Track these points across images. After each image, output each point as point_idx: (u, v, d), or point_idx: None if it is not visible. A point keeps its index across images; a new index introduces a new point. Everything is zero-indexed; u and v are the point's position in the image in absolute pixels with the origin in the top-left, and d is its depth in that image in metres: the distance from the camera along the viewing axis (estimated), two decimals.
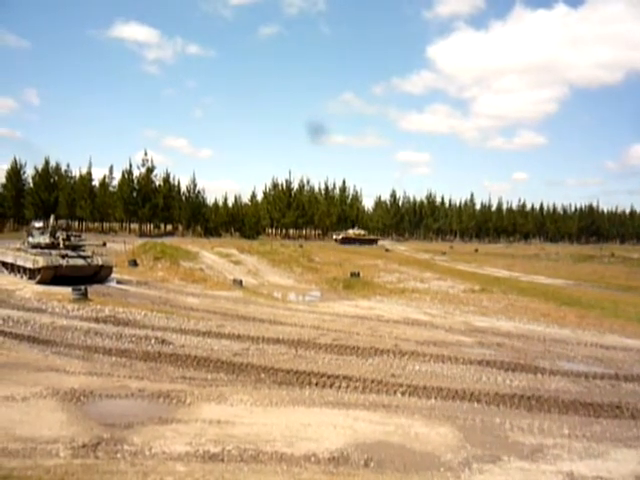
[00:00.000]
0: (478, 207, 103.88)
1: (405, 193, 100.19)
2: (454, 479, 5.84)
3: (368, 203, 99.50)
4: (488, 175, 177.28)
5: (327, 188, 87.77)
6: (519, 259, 47.28)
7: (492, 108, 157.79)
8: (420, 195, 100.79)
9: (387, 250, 53.56)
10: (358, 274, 27.00)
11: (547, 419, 7.97)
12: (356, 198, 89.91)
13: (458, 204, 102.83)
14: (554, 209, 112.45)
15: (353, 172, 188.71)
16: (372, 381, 9.59)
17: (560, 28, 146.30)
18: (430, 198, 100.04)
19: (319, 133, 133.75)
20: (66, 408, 7.61)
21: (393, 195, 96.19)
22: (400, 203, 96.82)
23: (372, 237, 70.90)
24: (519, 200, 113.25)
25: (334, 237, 67.71)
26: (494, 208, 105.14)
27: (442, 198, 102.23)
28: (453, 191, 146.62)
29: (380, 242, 76.12)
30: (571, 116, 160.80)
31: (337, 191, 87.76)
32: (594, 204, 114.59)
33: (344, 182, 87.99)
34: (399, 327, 14.93)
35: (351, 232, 67.72)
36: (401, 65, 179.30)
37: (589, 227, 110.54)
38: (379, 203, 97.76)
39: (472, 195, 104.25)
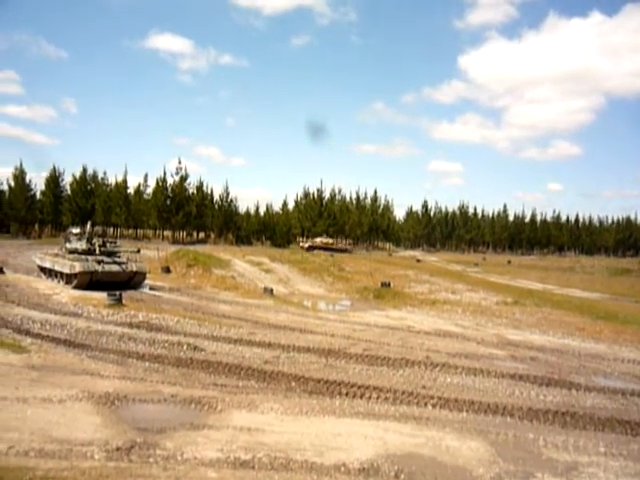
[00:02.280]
0: (511, 218, 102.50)
1: (437, 203, 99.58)
2: None
3: (399, 213, 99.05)
4: (521, 186, 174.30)
5: (358, 198, 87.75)
6: (553, 272, 46.43)
7: (525, 118, 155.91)
8: (452, 205, 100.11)
9: (418, 261, 53.13)
10: (389, 284, 26.86)
11: (582, 436, 7.79)
12: (387, 208, 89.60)
13: (491, 215, 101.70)
14: (590, 221, 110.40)
15: (384, 182, 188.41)
16: (403, 392, 9.52)
17: (595, 37, 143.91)
18: (462, 209, 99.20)
19: (319, 134, 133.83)
20: (101, 411, 7.77)
21: (425, 205, 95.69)
22: (432, 213, 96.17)
23: (342, 246, 67.47)
24: (553, 211, 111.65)
25: (300, 245, 64.90)
26: (528, 219, 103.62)
27: (475, 209, 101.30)
28: (486, 202, 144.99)
29: (408, 252, 75.62)
30: (607, 126, 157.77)
31: (368, 201, 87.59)
32: (632, 216, 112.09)
33: (375, 192, 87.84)
34: (430, 338, 14.80)
35: (318, 240, 64.68)
36: (432, 75, 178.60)
37: (626, 240, 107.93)
38: (411, 213, 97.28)
39: (505, 206, 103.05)
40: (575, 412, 8.83)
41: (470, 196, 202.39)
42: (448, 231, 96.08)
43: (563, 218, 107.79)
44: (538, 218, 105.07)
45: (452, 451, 6.91)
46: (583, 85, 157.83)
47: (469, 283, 30.79)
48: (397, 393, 9.49)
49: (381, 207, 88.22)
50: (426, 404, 9.02)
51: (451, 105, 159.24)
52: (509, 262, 62.02)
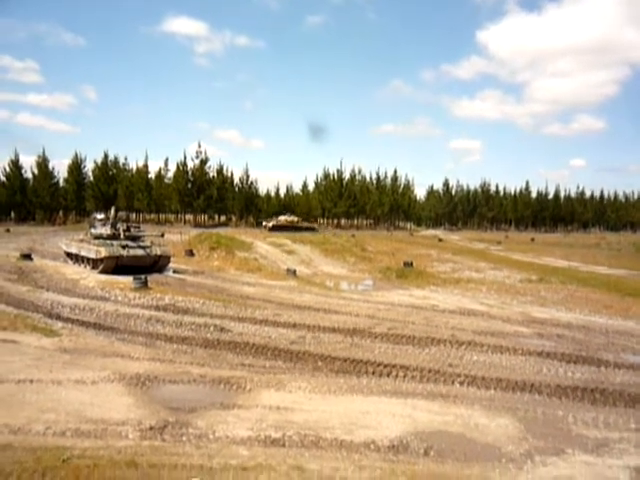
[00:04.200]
0: (534, 195, 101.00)
1: (458, 182, 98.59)
2: (516, 471, 5.78)
3: (420, 192, 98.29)
4: (544, 162, 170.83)
5: (379, 178, 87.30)
6: (578, 249, 45.81)
7: (547, 92, 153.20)
8: (474, 183, 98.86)
9: (440, 240, 52.76)
10: (411, 263, 26.77)
11: (612, 413, 7.74)
12: (408, 187, 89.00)
13: (513, 192, 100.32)
14: (615, 197, 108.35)
15: (404, 161, 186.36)
16: (429, 370, 9.55)
17: (619, 6, 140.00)
18: (484, 186, 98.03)
19: (319, 134, 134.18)
20: (132, 392, 7.93)
21: (446, 184, 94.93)
22: (453, 192, 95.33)
23: (308, 224, 62.71)
24: (577, 188, 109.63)
25: (264, 224, 60.25)
26: (551, 196, 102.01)
27: (496, 186, 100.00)
28: (507, 179, 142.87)
29: (430, 232, 75.02)
30: (633, 98, 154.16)
31: (389, 180, 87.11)
32: None
33: (395, 171, 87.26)
34: (455, 317, 14.77)
35: (282, 218, 60.28)
36: (450, 51, 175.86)
37: None
38: (431, 192, 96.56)
39: (527, 183, 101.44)
40: (604, 389, 8.76)
41: (491, 174, 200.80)
42: (470, 209, 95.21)
43: (587, 194, 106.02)
44: (562, 195, 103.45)
45: (481, 428, 6.92)
46: (607, 56, 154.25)
47: (492, 261, 30.56)
48: (424, 371, 9.51)
49: (402, 187, 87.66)
50: (453, 382, 9.03)
51: (470, 81, 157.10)
52: (532, 240, 61.32)
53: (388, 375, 9.33)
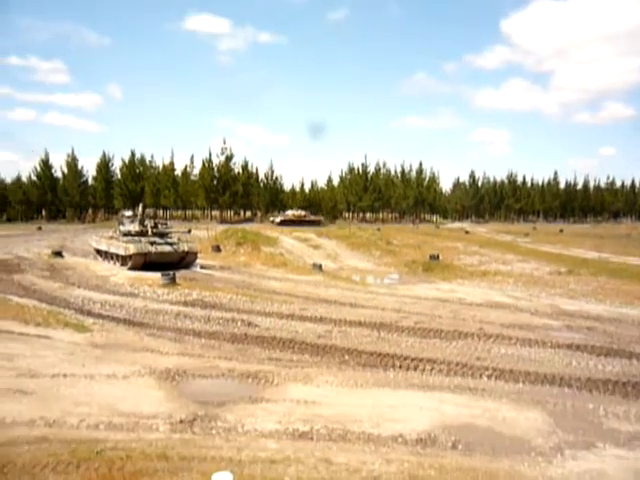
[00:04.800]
0: (562, 186, 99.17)
1: (485, 173, 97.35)
2: (546, 464, 5.74)
3: (445, 185, 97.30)
4: (572, 152, 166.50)
5: (403, 170, 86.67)
6: (608, 239, 44.86)
7: (574, 80, 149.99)
8: (500, 175, 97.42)
9: (467, 232, 52.25)
10: (437, 257, 26.62)
11: None
12: (433, 180, 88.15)
13: (541, 183, 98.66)
14: None
15: (428, 153, 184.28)
16: (457, 364, 9.51)
17: None
18: (511, 177, 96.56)
19: (319, 132, 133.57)
20: (162, 386, 8.07)
21: (472, 176, 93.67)
22: (479, 184, 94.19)
23: (314, 218, 62.29)
24: (607, 177, 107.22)
25: (271, 219, 60.81)
26: (580, 186, 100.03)
27: (523, 177, 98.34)
28: (535, 170, 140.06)
29: (456, 224, 74.36)
30: None
31: (413, 173, 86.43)
32: None
33: (420, 164, 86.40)
34: (482, 310, 14.65)
35: (290, 213, 60.78)
36: (474, 41, 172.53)
37: None
38: (457, 184, 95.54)
39: (556, 173, 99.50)
40: (637, 382, 8.62)
41: (518, 165, 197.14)
42: (497, 201, 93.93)
43: (618, 183, 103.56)
44: (591, 184, 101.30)
45: (509, 422, 6.89)
46: (637, 42, 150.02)
47: (520, 253, 30.19)
48: (451, 365, 9.48)
49: (427, 179, 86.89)
50: (481, 375, 8.99)
51: (495, 71, 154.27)
52: (561, 231, 60.31)
53: (415, 369, 9.32)
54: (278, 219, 57.72)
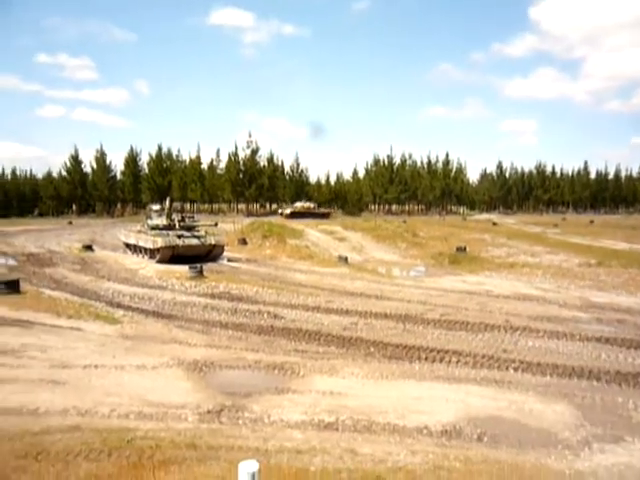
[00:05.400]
0: (593, 176, 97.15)
1: (512, 164, 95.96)
2: (573, 457, 5.70)
3: (472, 176, 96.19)
4: (603, 141, 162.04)
5: (430, 162, 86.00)
6: None
7: (605, 68, 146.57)
8: (528, 165, 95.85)
9: (494, 224, 51.60)
10: (464, 248, 26.40)
11: None
12: (460, 171, 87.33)
13: (570, 173, 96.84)
14: None
15: (455, 144, 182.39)
16: (483, 356, 9.47)
17: None
18: (539, 168, 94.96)
19: (319, 133, 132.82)
20: (191, 377, 8.21)
21: (499, 166, 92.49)
22: (507, 174, 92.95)
23: (324, 210, 61.95)
24: None
25: (280, 212, 59.44)
26: (611, 176, 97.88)
27: (553, 168, 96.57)
28: (564, 160, 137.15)
29: (483, 216, 73.50)
30: None
31: (440, 165, 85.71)
32: None
33: (447, 155, 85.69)
34: (509, 302, 14.52)
35: (299, 205, 59.76)
36: (501, 30, 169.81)
37: None
38: (485, 175, 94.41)
39: (586, 163, 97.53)
40: None
41: (547, 155, 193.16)
42: (525, 192, 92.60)
43: None
44: (623, 174, 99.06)
45: (536, 414, 6.84)
46: None
47: (549, 245, 29.74)
48: (477, 357, 9.44)
49: (453, 170, 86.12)
50: (507, 368, 8.93)
51: (523, 59, 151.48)
52: (591, 222, 59.14)
53: (441, 361, 9.30)
54: (288, 211, 57.06)
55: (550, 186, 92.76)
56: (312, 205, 60.90)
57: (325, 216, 57.19)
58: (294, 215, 53.73)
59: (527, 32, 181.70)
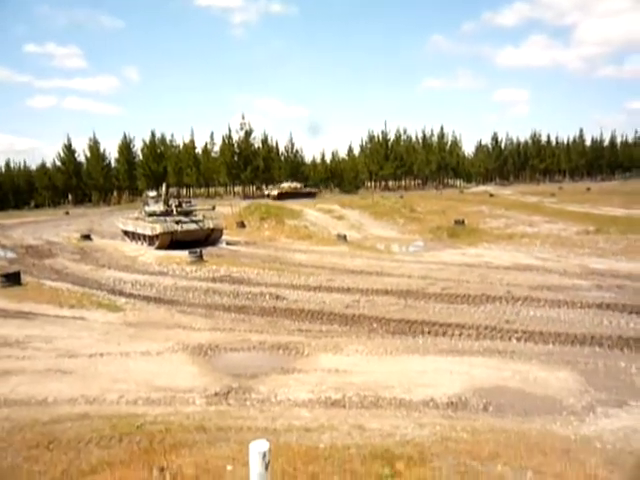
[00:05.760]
0: (588, 143, 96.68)
1: (507, 134, 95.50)
2: (578, 423, 5.76)
3: (468, 148, 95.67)
4: (598, 108, 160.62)
5: (424, 136, 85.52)
6: (638, 196, 43.95)
7: (597, 34, 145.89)
8: (523, 135, 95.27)
9: (491, 195, 51.51)
10: (463, 221, 26.42)
11: None
12: (455, 144, 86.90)
13: (566, 142, 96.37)
14: None
15: (449, 117, 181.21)
16: (485, 328, 9.53)
17: None
18: (534, 137, 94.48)
19: (317, 131, 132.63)
20: (196, 361, 8.26)
21: (495, 137, 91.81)
22: (502, 145, 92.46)
23: (309, 190, 61.10)
24: (636, 132, 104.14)
25: (266, 193, 59.01)
26: (607, 143, 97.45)
27: (548, 136, 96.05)
28: (559, 128, 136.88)
29: (480, 188, 73.31)
30: None
31: (435, 139, 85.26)
32: None
33: (442, 128, 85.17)
34: (510, 273, 14.57)
35: (286, 186, 58.84)
36: None
37: None
38: (480, 147, 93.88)
39: (581, 131, 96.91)
40: None
41: (542, 124, 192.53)
42: (521, 162, 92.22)
43: None
44: (618, 140, 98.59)
45: (540, 382, 6.90)
46: None
47: (546, 214, 29.75)
48: (480, 329, 9.50)
49: (449, 144, 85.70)
50: (510, 338, 8.99)
51: (514, 28, 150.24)
52: (588, 189, 59.03)
53: (444, 334, 9.36)
54: (275, 192, 56.21)
55: (546, 155, 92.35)
56: (299, 185, 60.45)
57: (312, 195, 56.86)
58: (281, 196, 53.16)
59: (517, 0, 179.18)
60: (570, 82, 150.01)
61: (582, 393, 6.52)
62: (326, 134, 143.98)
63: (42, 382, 7.32)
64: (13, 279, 14.71)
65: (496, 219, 28.69)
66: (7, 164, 73.42)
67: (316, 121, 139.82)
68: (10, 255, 22.50)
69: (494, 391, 6.66)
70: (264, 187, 70.24)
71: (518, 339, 8.93)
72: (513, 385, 6.85)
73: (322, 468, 4.48)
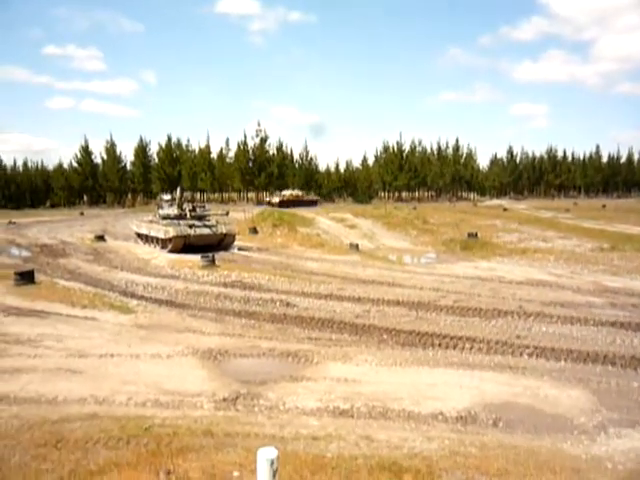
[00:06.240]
0: (605, 160, 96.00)
1: (523, 149, 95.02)
2: (589, 442, 5.69)
3: (483, 161, 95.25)
4: (615, 124, 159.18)
5: (439, 148, 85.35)
6: None
7: (616, 49, 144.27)
8: (539, 150, 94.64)
9: (505, 209, 51.29)
10: (476, 234, 26.30)
11: None
12: (470, 157, 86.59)
13: (582, 157, 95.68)
14: None
15: (465, 130, 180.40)
16: (497, 342, 9.45)
17: None
18: (550, 152, 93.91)
19: (320, 133, 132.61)
20: (205, 365, 8.27)
21: (510, 151, 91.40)
22: (518, 159, 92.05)
23: (311, 198, 59.81)
24: None
25: (267, 200, 57.76)
26: (624, 159, 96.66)
27: (564, 152, 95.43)
28: (575, 144, 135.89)
29: (494, 201, 72.99)
30: None
31: (450, 151, 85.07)
32: None
33: (457, 141, 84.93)
34: (522, 288, 14.46)
35: (288, 193, 57.51)
36: (509, 13, 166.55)
37: None
38: (495, 161, 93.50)
39: (598, 147, 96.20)
40: None
41: (557, 139, 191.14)
42: (536, 177, 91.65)
43: None
44: (635, 157, 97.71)
45: (551, 400, 6.83)
46: None
47: (561, 230, 29.54)
48: (491, 343, 9.42)
49: (463, 156, 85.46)
50: (521, 354, 8.91)
51: (532, 42, 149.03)
52: (604, 206, 58.54)
53: (454, 347, 9.29)
54: (276, 199, 55.12)
55: (561, 171, 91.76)
56: (300, 193, 59.35)
57: (314, 203, 56.00)
58: (282, 204, 52.04)
59: (535, 15, 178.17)
60: (588, 98, 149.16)
61: (594, 412, 6.44)
62: (334, 139, 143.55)
63: (52, 381, 7.37)
64: (27, 277, 14.84)
65: (509, 233, 28.53)
66: (25, 163, 74.35)
67: (319, 123, 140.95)
68: (25, 254, 22.72)
69: (504, 407, 6.60)
70: (264, 194, 69.72)
71: (529, 355, 8.84)
72: (523, 401, 6.78)
73: (329, 478, 4.46)
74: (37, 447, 5.12)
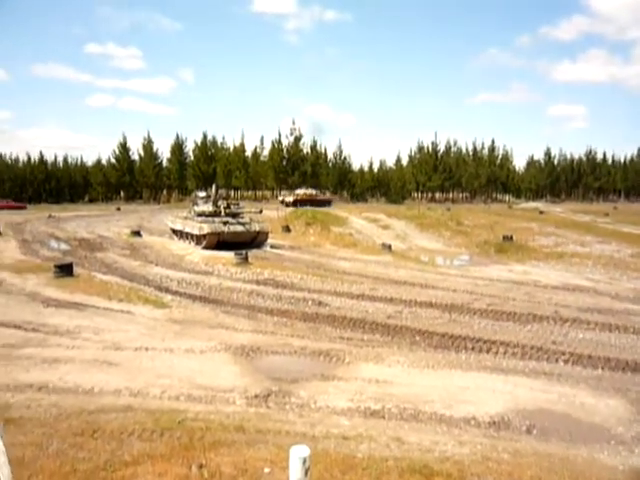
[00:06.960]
0: None
1: (561, 150, 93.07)
2: (627, 453, 5.56)
3: (519, 163, 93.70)
4: None
5: (475, 149, 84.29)
6: None
7: None
8: (577, 152, 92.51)
9: (541, 212, 50.29)
10: (511, 237, 25.87)
11: None
12: (506, 158, 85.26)
13: (622, 160, 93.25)
14: None
15: (501, 131, 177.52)
16: (531, 348, 9.29)
17: None
18: (589, 155, 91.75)
19: (320, 133, 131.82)
20: (238, 361, 8.35)
21: (547, 153, 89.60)
22: (555, 161, 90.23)
23: (325, 197, 57.93)
24: None
25: (280, 199, 54.89)
26: None
27: (604, 154, 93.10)
28: (616, 146, 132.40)
29: (530, 204, 71.72)
30: None
31: (485, 152, 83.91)
32: None
33: (493, 142, 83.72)
34: (558, 293, 14.18)
35: (301, 192, 55.20)
36: (549, 12, 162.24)
37: None
38: (532, 162, 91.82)
39: (639, 149, 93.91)
40: None
41: (597, 141, 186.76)
42: (574, 180, 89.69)
43: None
44: None
45: (587, 408, 6.69)
46: None
47: (599, 234, 28.84)
48: (525, 348, 9.27)
49: (499, 157, 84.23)
50: (557, 360, 8.74)
51: (572, 42, 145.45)
52: None
53: (488, 351, 9.18)
54: (290, 199, 53.26)
55: (601, 173, 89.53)
56: (314, 192, 57.41)
57: (328, 203, 53.91)
58: (296, 203, 50.41)
59: (576, 14, 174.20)
60: (629, 99, 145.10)
61: (632, 422, 6.28)
62: (368, 139, 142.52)
63: (89, 372, 7.54)
64: (66, 270, 15.22)
65: (546, 237, 27.99)
66: (65, 159, 76.23)
67: (319, 123, 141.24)
68: (64, 247, 23.30)
69: (538, 413, 6.49)
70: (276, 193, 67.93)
71: (565, 361, 8.67)
72: (559, 409, 6.66)
73: (359, 478, 4.46)
74: (74, 436, 5.24)
